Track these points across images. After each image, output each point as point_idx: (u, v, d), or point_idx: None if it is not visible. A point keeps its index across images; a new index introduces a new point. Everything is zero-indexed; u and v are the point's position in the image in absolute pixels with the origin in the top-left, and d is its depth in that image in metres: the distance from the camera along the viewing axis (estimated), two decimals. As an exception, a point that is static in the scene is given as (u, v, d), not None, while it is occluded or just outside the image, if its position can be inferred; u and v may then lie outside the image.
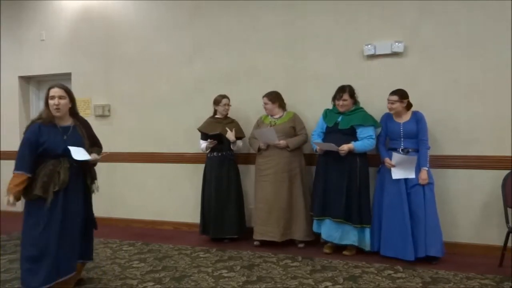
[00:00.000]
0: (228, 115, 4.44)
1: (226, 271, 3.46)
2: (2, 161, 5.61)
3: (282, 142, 4.01)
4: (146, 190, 5.13)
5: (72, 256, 2.93)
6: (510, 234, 3.38)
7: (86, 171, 3.05)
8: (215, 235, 4.26)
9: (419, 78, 3.99)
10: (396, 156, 3.61)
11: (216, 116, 4.42)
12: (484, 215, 3.82)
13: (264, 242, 4.11)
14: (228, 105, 4.38)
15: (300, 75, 4.43)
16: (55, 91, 2.90)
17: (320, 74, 4.33)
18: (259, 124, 4.27)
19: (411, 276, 3.28)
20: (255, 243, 4.17)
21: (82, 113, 3.20)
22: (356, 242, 3.78)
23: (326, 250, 3.90)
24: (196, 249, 4.09)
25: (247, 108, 4.59)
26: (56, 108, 2.88)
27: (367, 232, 3.79)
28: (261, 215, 4.10)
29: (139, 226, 5.10)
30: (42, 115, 2.93)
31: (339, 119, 3.88)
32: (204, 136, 4.32)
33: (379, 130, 3.86)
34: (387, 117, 3.83)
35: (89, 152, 2.98)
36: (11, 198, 2.75)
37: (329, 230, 3.83)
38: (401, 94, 3.69)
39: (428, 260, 3.56)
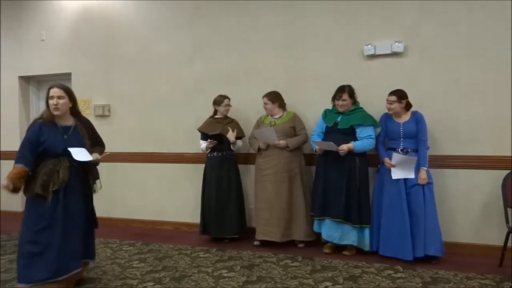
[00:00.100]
0: (228, 115, 4.44)
1: (226, 271, 3.46)
2: (2, 161, 5.61)
3: (282, 142, 4.01)
4: (146, 190, 5.13)
5: (73, 255, 2.93)
6: (510, 234, 3.38)
7: (87, 170, 3.06)
8: (216, 235, 4.26)
9: (419, 78, 3.99)
10: (396, 156, 3.62)
11: (216, 116, 4.42)
12: (484, 215, 3.82)
13: (264, 242, 4.11)
14: (229, 105, 4.39)
15: (300, 75, 4.43)
16: (54, 91, 2.92)
17: (320, 74, 4.33)
18: (259, 124, 4.27)
19: (411, 276, 3.28)
20: (255, 243, 4.17)
21: (82, 113, 3.22)
22: (356, 242, 3.78)
23: (326, 250, 3.90)
24: (196, 249, 4.09)
25: (247, 108, 4.59)
26: (55, 108, 2.90)
27: (367, 232, 3.79)
28: (263, 215, 4.11)
29: (139, 226, 5.10)
30: (43, 115, 2.96)
31: (339, 119, 3.88)
32: (204, 136, 4.32)
33: (378, 130, 3.86)
34: (387, 117, 3.83)
35: (91, 152, 2.98)
36: (10, 183, 2.71)
37: (329, 230, 3.83)
38: (400, 95, 3.69)
39: (428, 260, 3.56)
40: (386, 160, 3.70)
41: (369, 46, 4.11)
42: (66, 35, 5.49)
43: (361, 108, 3.90)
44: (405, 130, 3.69)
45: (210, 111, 4.46)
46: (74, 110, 3.06)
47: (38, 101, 5.97)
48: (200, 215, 4.39)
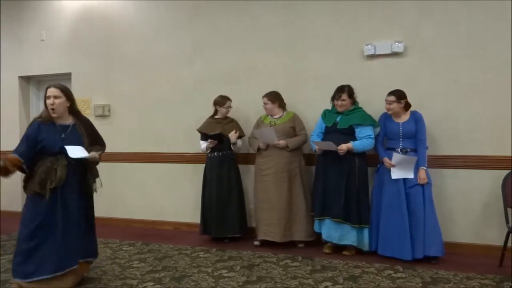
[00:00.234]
0: (227, 115, 4.44)
1: (226, 271, 3.46)
2: (2, 161, 5.61)
3: (282, 142, 4.01)
4: (146, 190, 5.13)
5: (69, 253, 2.94)
6: (510, 234, 3.38)
7: (86, 169, 3.06)
8: (217, 235, 4.25)
9: (419, 78, 3.99)
10: (396, 156, 3.62)
11: (216, 116, 4.42)
12: (484, 215, 3.82)
13: (264, 242, 4.12)
14: (230, 107, 4.39)
15: (300, 75, 4.43)
16: (51, 91, 2.95)
17: (320, 74, 4.33)
18: (259, 124, 4.28)
19: (411, 276, 3.28)
20: (255, 243, 4.17)
21: (82, 112, 3.23)
22: (355, 242, 3.78)
23: (326, 250, 3.90)
24: (196, 249, 4.09)
25: (247, 108, 4.59)
26: (52, 108, 2.93)
27: (366, 232, 3.79)
28: (263, 215, 4.11)
29: (139, 226, 5.10)
30: (42, 115, 3.00)
31: (338, 119, 3.88)
32: (204, 137, 4.32)
33: (377, 129, 3.86)
34: (386, 117, 3.83)
35: (89, 151, 2.99)
36: (1, 161, 2.72)
37: (329, 230, 3.84)
38: (399, 95, 3.69)
39: (428, 260, 3.56)
40: (386, 160, 3.70)
41: (369, 46, 4.11)
42: (66, 35, 5.49)
43: (360, 108, 3.90)
44: (404, 130, 3.69)
45: (210, 111, 4.46)
46: (72, 109, 3.07)
47: (38, 101, 5.97)
48: (200, 215, 4.39)
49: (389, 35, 4.07)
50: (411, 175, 3.58)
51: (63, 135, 2.96)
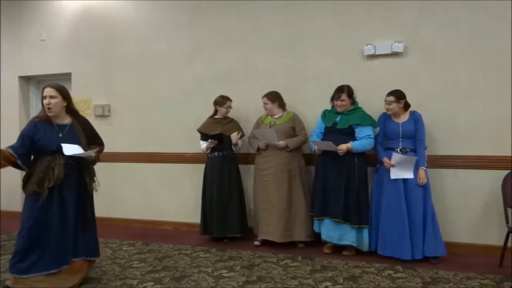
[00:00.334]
0: (227, 115, 4.44)
1: (226, 271, 3.46)
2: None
3: (282, 143, 4.01)
4: (146, 190, 5.13)
5: (64, 252, 2.96)
6: (510, 234, 3.38)
7: (83, 168, 3.06)
8: (218, 235, 4.25)
9: (419, 78, 3.99)
10: (396, 156, 3.61)
11: (216, 116, 4.42)
12: (484, 215, 3.82)
13: (264, 242, 4.12)
14: (230, 107, 4.40)
15: (300, 75, 4.43)
16: (47, 91, 2.97)
17: (320, 74, 4.33)
18: (259, 124, 4.28)
19: (411, 276, 3.28)
20: (255, 243, 4.17)
21: (82, 113, 3.24)
22: (355, 242, 3.77)
23: (326, 250, 3.90)
24: (196, 249, 4.09)
25: (247, 108, 4.59)
26: (48, 108, 2.94)
27: (365, 232, 3.78)
28: (263, 215, 4.11)
29: (139, 226, 5.10)
30: (39, 114, 3.03)
31: (338, 119, 3.88)
32: (204, 137, 4.32)
33: (377, 129, 3.86)
34: (385, 117, 3.82)
35: (86, 150, 3.00)
36: None
37: (328, 230, 3.83)
38: (398, 95, 3.69)
39: (428, 260, 3.56)
40: (386, 160, 3.70)
41: (369, 46, 4.11)
42: (66, 35, 5.50)
43: (360, 108, 3.89)
44: (404, 130, 3.69)
45: (210, 111, 4.47)
46: (69, 109, 3.08)
47: (38, 101, 5.92)
48: (200, 215, 4.39)
49: (389, 35, 4.07)
50: (410, 175, 3.58)
51: (60, 135, 2.97)
